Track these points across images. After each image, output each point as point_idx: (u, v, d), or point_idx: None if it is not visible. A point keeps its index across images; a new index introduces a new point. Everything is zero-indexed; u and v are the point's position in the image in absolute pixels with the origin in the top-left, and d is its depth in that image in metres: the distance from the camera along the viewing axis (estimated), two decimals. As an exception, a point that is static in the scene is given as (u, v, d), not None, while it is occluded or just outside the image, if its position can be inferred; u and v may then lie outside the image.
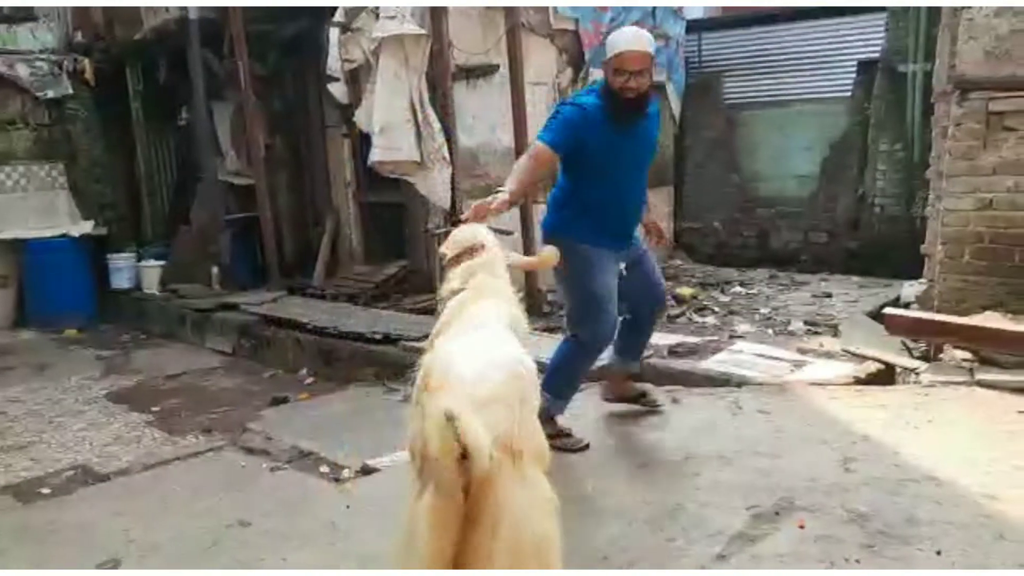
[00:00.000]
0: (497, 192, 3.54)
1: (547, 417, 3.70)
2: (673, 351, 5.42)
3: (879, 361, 4.96)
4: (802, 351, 5.47)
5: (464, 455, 1.86)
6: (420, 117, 6.72)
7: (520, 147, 6.90)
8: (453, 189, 6.83)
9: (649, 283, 4.12)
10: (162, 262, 9.20)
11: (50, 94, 9.58)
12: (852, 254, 8.91)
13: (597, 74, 8.43)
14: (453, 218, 6.89)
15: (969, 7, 5.02)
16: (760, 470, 3.60)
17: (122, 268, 9.33)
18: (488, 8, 7.29)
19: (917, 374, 4.73)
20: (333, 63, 7.31)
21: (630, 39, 3.70)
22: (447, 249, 3.07)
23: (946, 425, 3.96)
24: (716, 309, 7.17)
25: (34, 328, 8.96)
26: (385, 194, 7.80)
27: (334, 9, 7.22)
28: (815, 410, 4.27)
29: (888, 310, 5.37)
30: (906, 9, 8.20)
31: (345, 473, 4.20)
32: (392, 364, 5.94)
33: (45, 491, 4.38)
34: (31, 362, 7.55)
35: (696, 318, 6.82)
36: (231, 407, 5.85)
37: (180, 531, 3.57)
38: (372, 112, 6.80)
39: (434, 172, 6.74)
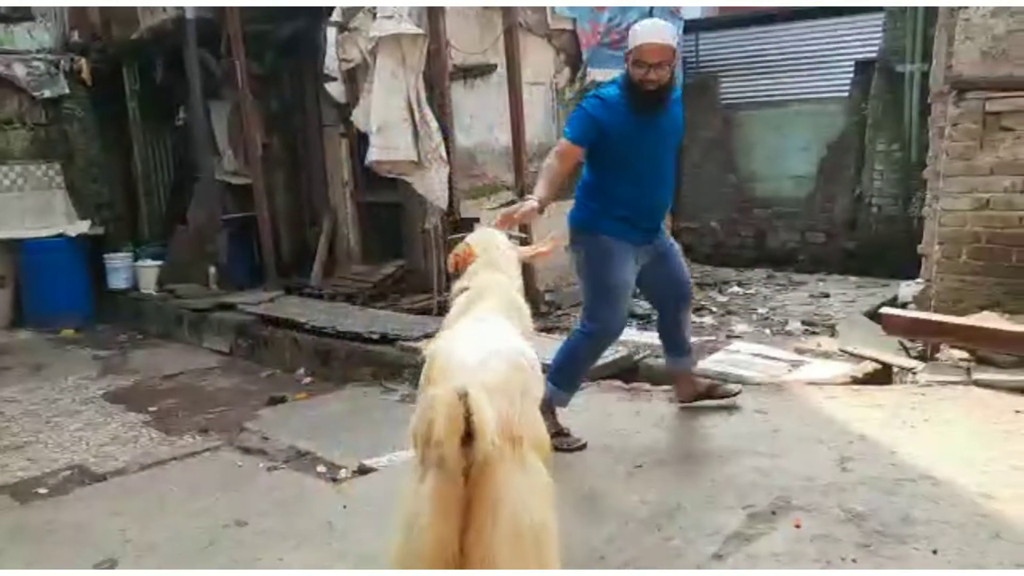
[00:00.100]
0: (526, 199, 3.53)
1: (549, 409, 3.71)
2: (670, 351, 5.41)
3: (876, 361, 4.97)
4: (799, 351, 5.48)
5: (466, 439, 1.87)
6: (417, 117, 6.72)
7: (518, 147, 6.92)
8: (451, 188, 6.83)
9: (673, 279, 4.11)
10: (159, 262, 9.19)
11: (47, 94, 9.56)
12: (849, 254, 8.92)
13: (595, 74, 8.45)
14: (451, 217, 6.92)
15: (966, 7, 5.03)
16: (757, 470, 3.60)
17: (119, 268, 9.31)
18: (485, 8, 7.29)
19: (914, 374, 4.74)
20: (330, 62, 7.30)
21: (650, 31, 3.69)
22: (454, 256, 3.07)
23: (943, 425, 3.96)
24: (714, 309, 7.18)
25: (31, 328, 8.94)
26: (383, 194, 7.80)
27: (331, 9, 7.21)
28: (812, 410, 4.27)
29: (885, 310, 5.38)
30: (903, 9, 8.21)
31: (342, 473, 4.21)
32: (390, 364, 5.94)
33: (42, 491, 4.38)
34: (28, 362, 7.53)
35: (694, 318, 6.80)
36: (228, 407, 5.84)
37: (177, 531, 3.57)
38: (369, 111, 6.80)
39: (431, 172, 6.74)
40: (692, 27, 9.93)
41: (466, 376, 2.06)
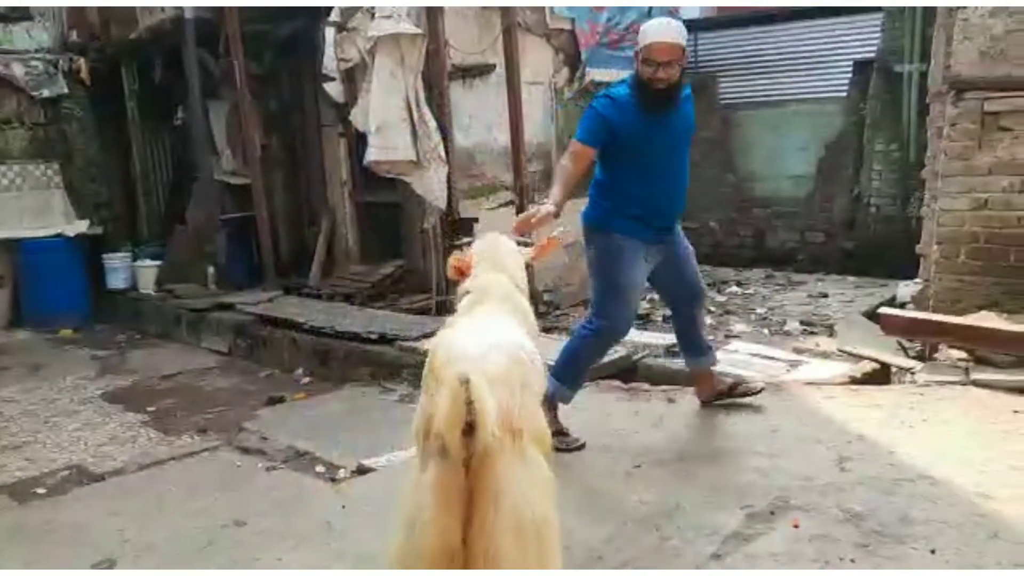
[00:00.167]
0: (543, 202, 3.54)
1: (551, 405, 3.71)
2: (669, 351, 5.42)
3: (875, 361, 4.97)
4: (798, 351, 5.49)
5: (468, 430, 1.88)
6: (416, 116, 6.72)
7: (517, 146, 6.92)
8: (449, 188, 6.83)
9: (685, 279, 4.13)
10: (158, 262, 9.19)
11: (46, 93, 9.55)
12: (848, 254, 8.93)
13: (593, 74, 8.45)
14: (450, 217, 6.92)
15: (964, 7, 5.03)
16: (755, 469, 3.60)
17: (118, 268, 9.30)
18: (484, 8, 7.29)
19: (912, 374, 4.74)
20: (329, 62, 7.30)
21: (659, 30, 3.72)
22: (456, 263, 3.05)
23: (941, 425, 3.96)
24: (712, 309, 7.18)
25: (29, 328, 8.93)
26: (381, 194, 7.79)
27: (330, 8, 7.20)
28: (810, 410, 4.27)
29: (884, 310, 5.38)
30: (902, 9, 8.22)
31: (341, 473, 4.21)
32: (388, 364, 5.94)
33: (40, 491, 4.38)
34: (26, 362, 7.53)
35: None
36: (227, 407, 5.84)
37: (175, 531, 3.57)
38: (368, 111, 6.79)
39: (430, 171, 6.74)
40: (691, 27, 9.82)
41: (468, 365, 2.06)
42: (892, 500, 3.22)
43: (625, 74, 9.13)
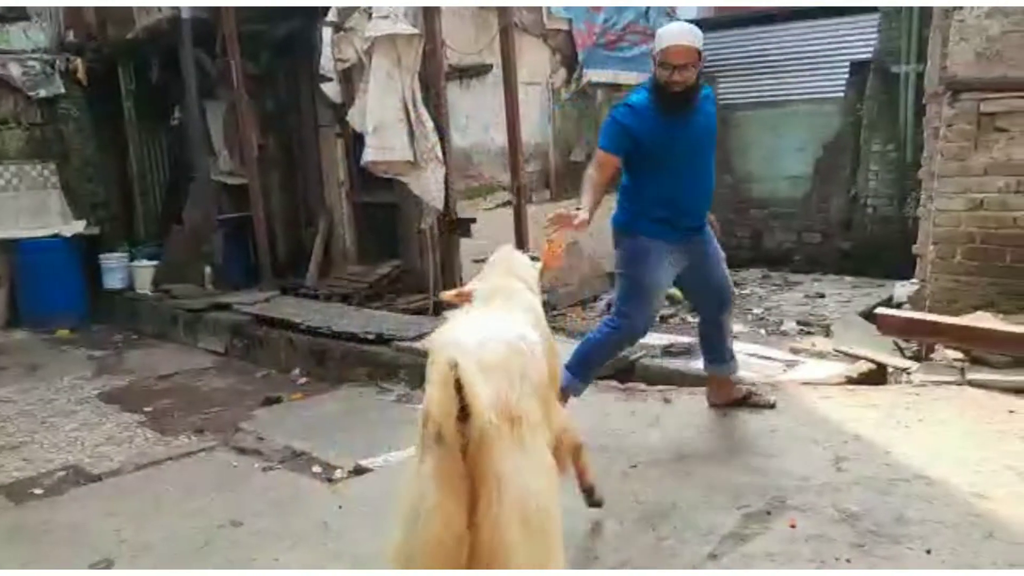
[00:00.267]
0: (578, 208, 3.59)
1: (563, 398, 3.72)
2: (666, 351, 5.43)
3: (871, 361, 4.98)
4: (795, 351, 5.50)
5: (463, 416, 1.88)
6: (413, 117, 6.72)
7: (514, 147, 6.92)
8: (447, 189, 6.83)
9: (713, 282, 4.16)
10: (155, 262, 9.19)
11: (42, 93, 9.55)
12: (845, 254, 8.95)
13: (591, 75, 8.46)
14: (447, 218, 6.92)
15: (961, 8, 5.04)
16: (752, 469, 3.61)
17: (114, 268, 9.30)
18: (481, 8, 7.29)
19: (909, 374, 4.75)
20: (326, 62, 7.30)
21: (675, 33, 3.76)
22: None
23: (937, 425, 3.97)
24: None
25: (26, 328, 8.93)
26: (378, 194, 7.80)
27: (327, 9, 7.21)
28: (807, 410, 4.28)
29: (880, 310, 5.39)
30: (898, 10, 8.24)
31: (338, 473, 4.21)
32: (385, 364, 5.95)
33: (37, 491, 4.38)
34: (23, 362, 7.53)
35: (690, 318, 6.82)
36: (223, 407, 5.84)
37: (172, 531, 3.57)
38: (365, 112, 6.79)
39: (427, 172, 6.74)
40: (688, 28, 9.92)
41: (459, 352, 2.05)
42: (888, 500, 3.23)
43: (623, 74, 9.19)
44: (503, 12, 6.96)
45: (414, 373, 5.47)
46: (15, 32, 9.51)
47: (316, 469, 4.33)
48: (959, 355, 4.75)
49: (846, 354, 5.19)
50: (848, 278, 8.48)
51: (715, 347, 4.29)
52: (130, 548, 3.44)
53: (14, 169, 9.50)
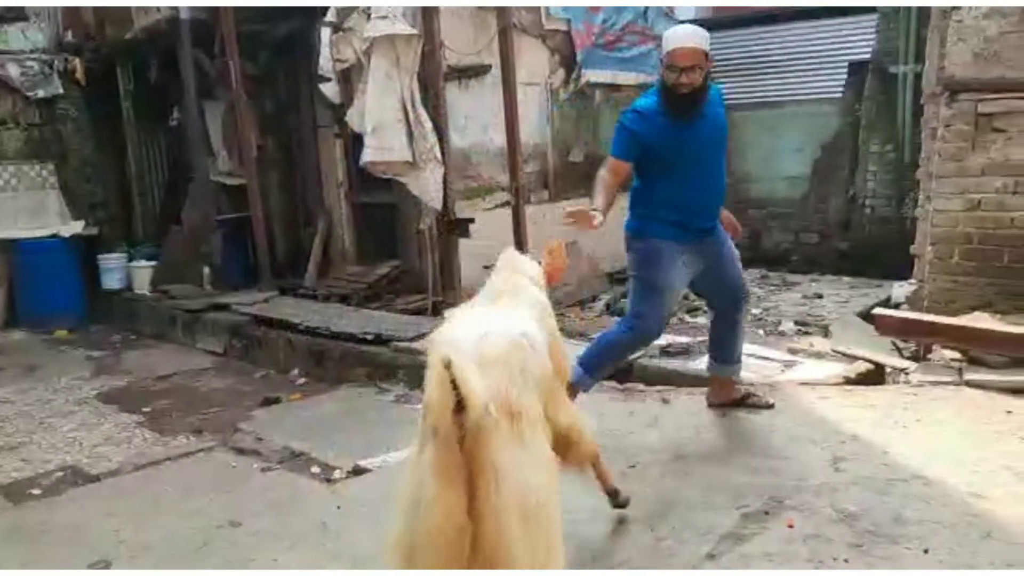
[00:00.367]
0: (593, 209, 3.62)
1: (572, 394, 3.74)
2: (664, 351, 5.44)
3: (869, 361, 4.98)
4: (792, 351, 5.50)
5: (459, 408, 1.88)
6: (412, 117, 6.72)
7: (513, 147, 6.92)
8: (445, 189, 6.83)
9: (727, 281, 4.16)
10: (153, 262, 9.18)
11: (41, 94, 9.54)
12: (843, 255, 8.95)
13: (589, 75, 8.47)
14: (446, 218, 6.92)
15: (959, 8, 5.05)
16: (750, 470, 3.61)
17: (113, 268, 9.30)
18: (480, 8, 7.30)
19: (906, 374, 4.76)
20: (325, 63, 7.30)
21: (681, 36, 3.77)
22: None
23: (935, 425, 3.98)
24: (707, 309, 7.17)
25: (24, 328, 8.93)
26: (377, 194, 7.80)
27: (325, 9, 7.21)
28: (805, 410, 4.29)
29: (878, 310, 5.40)
30: (897, 10, 8.24)
31: (336, 474, 4.21)
32: (384, 365, 5.95)
33: (36, 492, 4.38)
34: (21, 362, 7.52)
35: (687, 318, 6.84)
36: (222, 407, 5.83)
37: (171, 531, 3.57)
38: (364, 112, 6.79)
39: (426, 172, 6.74)
40: (687, 28, 9.92)
41: (453, 348, 2.05)
42: (886, 500, 3.23)
43: (621, 75, 9.20)
44: (502, 12, 6.96)
45: (413, 373, 5.47)
46: (13, 32, 9.50)
47: (315, 469, 4.33)
48: (957, 355, 4.76)
49: (844, 354, 5.20)
50: (846, 278, 8.48)
51: (726, 347, 4.29)
52: (129, 548, 3.44)
53: (12, 169, 9.49)
